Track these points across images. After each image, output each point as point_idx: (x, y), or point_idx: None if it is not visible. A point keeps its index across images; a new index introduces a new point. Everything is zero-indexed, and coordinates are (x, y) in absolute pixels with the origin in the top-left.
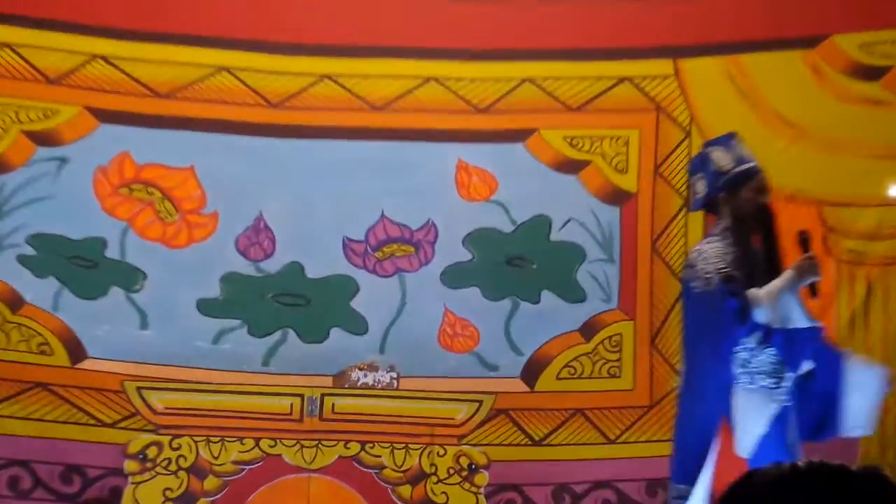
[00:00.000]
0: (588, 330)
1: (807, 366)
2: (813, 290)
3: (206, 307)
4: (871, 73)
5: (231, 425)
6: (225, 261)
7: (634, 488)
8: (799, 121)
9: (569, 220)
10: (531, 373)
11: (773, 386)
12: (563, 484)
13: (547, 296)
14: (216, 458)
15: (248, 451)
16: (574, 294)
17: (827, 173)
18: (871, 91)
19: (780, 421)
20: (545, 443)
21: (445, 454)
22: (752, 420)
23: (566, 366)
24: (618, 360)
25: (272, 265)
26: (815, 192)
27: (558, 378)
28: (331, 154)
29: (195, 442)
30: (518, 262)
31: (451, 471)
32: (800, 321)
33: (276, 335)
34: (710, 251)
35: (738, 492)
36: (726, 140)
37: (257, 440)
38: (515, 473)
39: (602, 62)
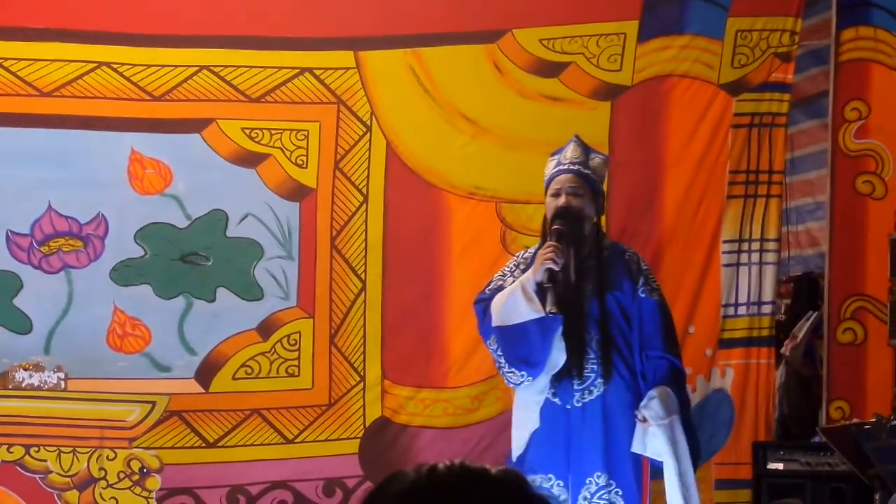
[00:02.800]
0: (266, 328)
1: (558, 357)
2: (550, 279)
3: None
4: (550, 69)
5: None
6: None
7: (311, 488)
8: (479, 117)
9: (246, 216)
10: (206, 373)
11: (517, 383)
12: (238, 485)
13: (223, 293)
14: None
15: None
16: (251, 292)
17: (505, 170)
18: (551, 87)
19: (556, 422)
20: (220, 444)
21: (116, 458)
22: (518, 420)
23: (243, 365)
24: (296, 358)
25: None
26: (493, 190)
27: (234, 378)
28: None
29: None
30: (193, 258)
31: (122, 475)
32: (525, 315)
33: None
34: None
35: (373, 499)
36: (564, 146)
37: None
38: (189, 476)
39: (282, 52)
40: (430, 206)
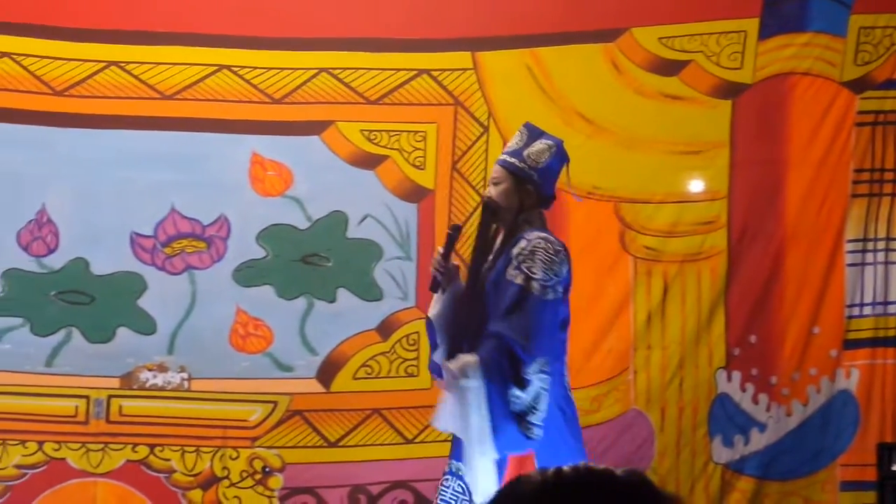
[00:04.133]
0: (385, 329)
1: (435, 356)
2: (432, 287)
3: None
4: (669, 68)
5: (13, 428)
6: (6, 256)
7: (431, 488)
8: (597, 116)
9: (366, 217)
10: (327, 373)
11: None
12: (359, 485)
13: (343, 294)
14: None
15: (31, 455)
16: (371, 292)
17: (624, 169)
18: (670, 86)
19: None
20: (341, 444)
21: (238, 457)
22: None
23: (363, 365)
24: (415, 358)
25: (56, 261)
26: (612, 189)
27: (355, 378)
28: (118, 144)
29: None
30: (313, 259)
31: (245, 474)
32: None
33: (60, 334)
34: None
35: (503, 500)
36: None
37: (41, 444)
38: (310, 476)
39: (400, 53)
40: None
